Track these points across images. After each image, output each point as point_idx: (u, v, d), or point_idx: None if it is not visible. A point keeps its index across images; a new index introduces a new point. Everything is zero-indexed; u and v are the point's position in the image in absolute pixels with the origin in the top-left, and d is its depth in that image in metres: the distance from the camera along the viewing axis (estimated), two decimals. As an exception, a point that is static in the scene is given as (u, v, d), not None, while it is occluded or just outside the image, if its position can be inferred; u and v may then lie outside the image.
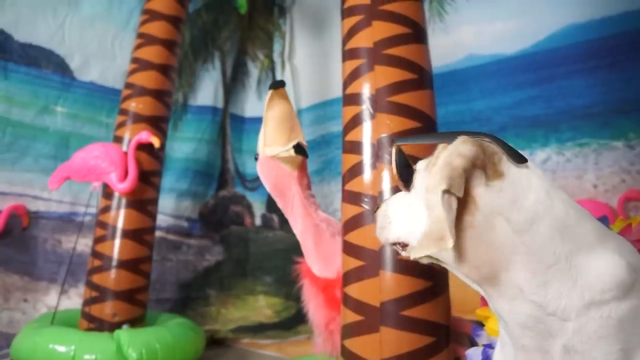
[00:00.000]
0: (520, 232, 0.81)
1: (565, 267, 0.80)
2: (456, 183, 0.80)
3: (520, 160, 0.85)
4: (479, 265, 0.83)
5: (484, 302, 1.25)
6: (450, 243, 0.78)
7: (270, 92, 2.07)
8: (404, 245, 0.96)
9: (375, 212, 1.04)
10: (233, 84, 4.95)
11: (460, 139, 0.87)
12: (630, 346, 0.79)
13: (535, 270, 0.81)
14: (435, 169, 0.84)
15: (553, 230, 0.81)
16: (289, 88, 4.56)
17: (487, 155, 0.85)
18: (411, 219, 0.93)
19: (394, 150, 0.97)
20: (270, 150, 2.09)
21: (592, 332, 0.79)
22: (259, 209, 4.72)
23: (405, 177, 0.97)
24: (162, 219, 3.90)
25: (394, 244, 0.98)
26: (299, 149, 2.06)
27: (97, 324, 2.86)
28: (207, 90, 4.74)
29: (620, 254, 0.82)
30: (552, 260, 0.80)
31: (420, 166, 0.96)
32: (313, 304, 2.11)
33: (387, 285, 1.73)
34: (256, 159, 2.15)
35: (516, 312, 0.83)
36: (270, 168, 2.14)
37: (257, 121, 4.77)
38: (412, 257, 0.85)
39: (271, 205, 4.62)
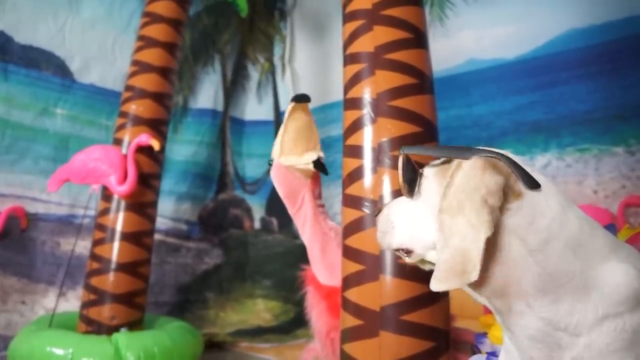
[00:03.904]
0: (534, 252, 0.79)
1: (579, 284, 0.79)
2: (492, 225, 0.78)
3: (533, 185, 0.82)
4: (490, 283, 0.82)
5: (487, 310, 1.24)
6: (474, 277, 0.77)
7: (292, 104, 2.10)
8: (408, 252, 0.95)
9: (376, 215, 1.02)
10: (233, 87, 4.96)
11: (478, 163, 0.82)
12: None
13: (548, 288, 0.79)
14: (457, 195, 0.81)
15: (567, 249, 0.80)
16: (288, 91, 4.60)
17: (507, 181, 0.82)
18: (416, 225, 0.93)
19: (400, 159, 0.95)
20: (286, 160, 2.12)
21: (604, 346, 0.77)
22: (258, 212, 4.72)
23: (410, 181, 0.94)
24: (161, 222, 3.89)
25: (397, 249, 0.97)
26: (318, 164, 2.08)
27: (95, 327, 2.85)
28: (207, 93, 4.75)
29: (632, 263, 0.81)
30: (565, 278, 0.79)
31: (428, 172, 0.94)
32: (316, 312, 2.11)
33: (387, 290, 1.72)
34: (270, 164, 2.18)
35: (526, 326, 0.82)
36: (284, 175, 2.16)
37: (257, 124, 4.87)
38: (434, 289, 0.82)
39: (270, 208, 4.62)
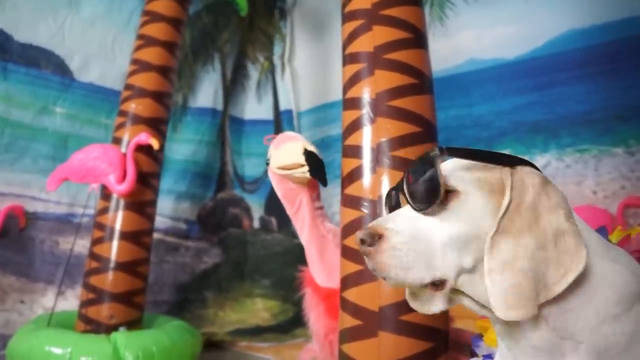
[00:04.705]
0: None
1: (585, 289, 0.78)
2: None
3: None
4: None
5: None
6: (547, 298, 0.75)
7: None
8: (441, 283, 0.82)
9: (368, 246, 0.81)
10: (233, 86, 4.95)
11: (540, 178, 0.81)
12: (637, 358, 0.77)
13: (562, 296, 0.77)
14: (527, 214, 0.77)
15: None
16: (288, 91, 4.60)
17: None
18: (447, 248, 0.80)
19: (438, 161, 0.80)
20: (280, 170, 2.12)
21: (603, 351, 0.76)
22: (257, 211, 4.72)
23: (433, 192, 0.80)
24: (160, 221, 3.89)
25: (428, 284, 0.82)
26: (316, 171, 2.06)
27: (94, 326, 2.84)
28: (207, 92, 4.75)
29: (623, 264, 0.81)
30: (576, 284, 0.77)
31: (463, 184, 0.82)
32: (314, 313, 2.11)
33: (385, 290, 1.72)
34: (267, 163, 2.18)
35: (534, 338, 0.80)
36: (280, 179, 2.17)
37: (257, 123, 4.87)
38: (509, 319, 0.75)
39: (270, 208, 4.62)
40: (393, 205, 0.94)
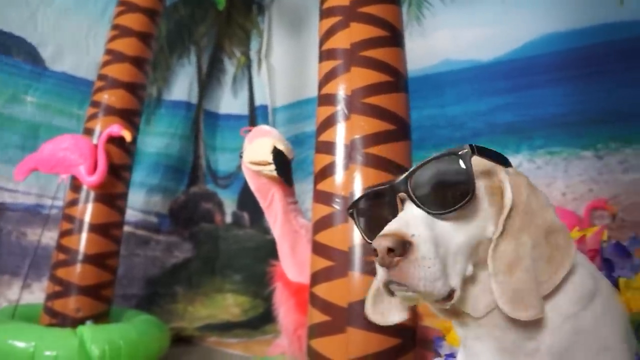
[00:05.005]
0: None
1: (554, 288, 0.78)
2: None
3: None
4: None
5: None
6: (546, 291, 0.76)
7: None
8: (450, 294, 0.76)
9: (400, 255, 0.72)
10: (208, 80, 4.91)
11: (525, 179, 0.81)
12: (592, 355, 0.78)
13: None
14: (524, 214, 0.77)
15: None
16: (264, 86, 4.58)
17: None
18: (462, 257, 0.76)
19: (470, 161, 0.75)
20: (253, 165, 2.14)
21: (564, 351, 0.76)
22: (229, 206, 4.69)
23: (464, 193, 0.75)
24: (131, 214, 3.84)
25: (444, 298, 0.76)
26: (282, 171, 2.08)
27: (60, 320, 2.80)
28: (182, 85, 4.70)
29: (581, 263, 0.81)
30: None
31: (479, 184, 0.78)
32: (284, 308, 2.12)
33: (355, 286, 1.72)
34: (241, 156, 2.19)
35: (505, 339, 0.79)
36: (252, 173, 2.17)
37: (232, 118, 4.84)
38: (523, 318, 0.74)
39: (242, 203, 4.60)
40: (386, 207, 0.85)
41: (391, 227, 0.74)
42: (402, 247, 0.71)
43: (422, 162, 0.79)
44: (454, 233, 0.76)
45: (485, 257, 0.77)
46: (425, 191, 0.77)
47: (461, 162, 0.75)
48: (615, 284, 0.88)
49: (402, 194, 0.81)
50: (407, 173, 0.80)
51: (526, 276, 0.75)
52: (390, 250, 0.71)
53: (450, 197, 0.75)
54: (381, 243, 0.72)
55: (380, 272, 0.75)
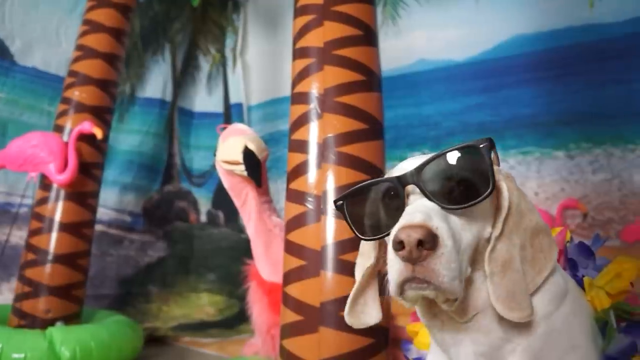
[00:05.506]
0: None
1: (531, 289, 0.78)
2: None
3: None
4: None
5: (414, 318, 1.19)
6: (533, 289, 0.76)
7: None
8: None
9: (429, 249, 0.67)
10: (183, 77, 4.87)
11: (513, 179, 0.82)
12: (562, 353, 0.78)
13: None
14: (516, 215, 0.77)
15: None
16: (239, 84, 4.55)
17: None
18: (466, 254, 0.74)
19: (490, 154, 0.74)
20: (225, 165, 2.15)
21: (538, 351, 0.76)
22: (204, 205, 4.66)
23: (478, 187, 0.73)
24: (103, 213, 3.79)
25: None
26: (252, 172, 2.09)
27: (29, 321, 2.74)
28: (156, 82, 4.65)
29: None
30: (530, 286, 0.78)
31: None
32: (257, 307, 2.12)
33: (327, 286, 1.72)
34: (215, 155, 2.18)
35: (485, 342, 0.78)
36: (226, 172, 2.17)
37: (206, 116, 4.80)
38: (522, 320, 0.73)
39: (217, 201, 4.56)
40: (388, 202, 0.78)
41: (415, 217, 0.68)
42: (433, 240, 0.66)
43: (436, 154, 0.75)
44: (465, 230, 0.73)
45: (479, 258, 0.77)
46: (438, 184, 0.73)
47: (483, 155, 0.72)
48: (581, 283, 0.89)
49: (411, 186, 0.75)
50: (418, 165, 0.75)
51: (517, 276, 0.74)
52: (421, 243, 0.66)
53: (467, 191, 0.72)
54: (411, 235, 0.66)
55: (402, 268, 0.68)
